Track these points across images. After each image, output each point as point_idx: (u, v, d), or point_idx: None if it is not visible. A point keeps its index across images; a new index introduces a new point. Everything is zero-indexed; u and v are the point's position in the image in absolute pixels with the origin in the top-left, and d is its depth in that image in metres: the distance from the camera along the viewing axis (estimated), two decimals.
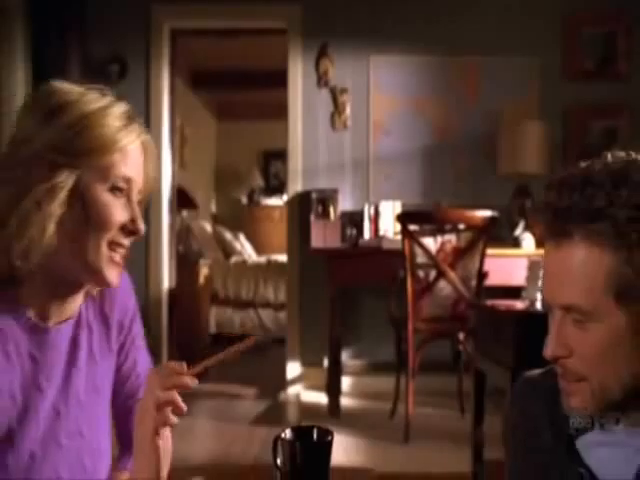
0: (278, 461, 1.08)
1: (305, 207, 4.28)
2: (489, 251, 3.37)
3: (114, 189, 0.94)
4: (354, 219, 4.11)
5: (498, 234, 3.90)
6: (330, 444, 1.09)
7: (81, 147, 0.92)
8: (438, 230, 3.34)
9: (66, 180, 0.91)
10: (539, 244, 3.67)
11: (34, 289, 0.94)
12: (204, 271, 5.64)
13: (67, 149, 0.92)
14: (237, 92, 7.58)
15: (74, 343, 1.01)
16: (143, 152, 0.98)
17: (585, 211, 0.83)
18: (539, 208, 0.89)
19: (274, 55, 5.03)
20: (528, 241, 3.84)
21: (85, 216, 0.92)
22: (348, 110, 4.33)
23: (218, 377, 4.51)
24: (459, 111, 4.30)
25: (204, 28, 4.91)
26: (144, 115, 4.36)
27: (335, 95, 4.33)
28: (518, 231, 3.91)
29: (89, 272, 0.95)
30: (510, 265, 3.56)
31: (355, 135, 4.35)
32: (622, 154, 0.89)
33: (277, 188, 8.68)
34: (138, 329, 1.13)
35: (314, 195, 4.18)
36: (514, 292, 2.72)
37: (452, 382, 3.68)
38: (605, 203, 0.83)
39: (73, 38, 4.17)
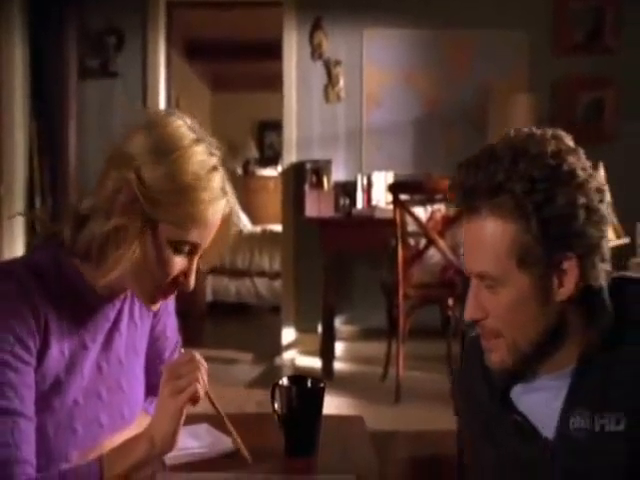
0: (276, 405, 1.22)
1: (299, 177, 4.38)
2: None
3: (179, 250, 1.01)
4: (347, 189, 4.22)
5: None
6: (322, 390, 1.23)
7: (170, 208, 0.98)
8: (428, 200, 3.46)
9: (141, 227, 0.98)
10: None
11: (97, 278, 1.03)
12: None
13: (158, 200, 0.98)
14: (232, 63, 7.59)
15: (119, 313, 1.13)
16: (223, 220, 1.05)
17: (488, 187, 0.92)
18: (451, 187, 0.99)
19: (269, 27, 5.08)
20: None
21: (145, 260, 1.00)
22: (342, 82, 4.41)
23: (215, 343, 4.67)
24: (450, 84, 4.39)
25: (200, 0, 4.96)
26: (141, 88, 4.45)
27: (329, 68, 4.41)
28: None
29: (137, 296, 1.10)
30: None
31: (348, 107, 4.43)
32: (525, 130, 0.97)
33: (272, 159, 8.74)
34: (171, 297, 1.25)
35: (308, 166, 4.29)
36: None
37: (441, 347, 3.80)
38: (504, 177, 0.91)
39: (71, 10, 4.23)
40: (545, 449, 0.98)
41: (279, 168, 8.16)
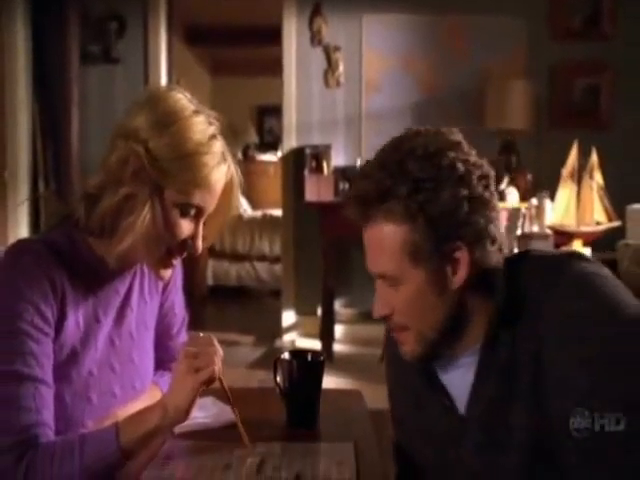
0: (278, 378, 1.28)
1: (299, 162, 4.42)
2: None
3: (185, 213, 1.08)
4: (347, 174, 4.27)
5: None
6: (322, 363, 1.29)
7: (175, 173, 1.05)
8: None
9: (149, 193, 1.05)
10: (523, 198, 3.85)
11: (111, 255, 1.10)
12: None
13: (163, 168, 1.04)
14: (231, 48, 7.61)
15: (129, 288, 1.19)
16: (226, 186, 1.11)
17: (377, 195, 0.97)
18: (344, 201, 1.03)
19: (268, 12, 5.10)
20: (512, 195, 3.99)
21: (154, 224, 1.06)
22: (341, 68, 4.45)
23: (217, 326, 4.74)
24: (448, 69, 4.42)
25: None
26: (142, 73, 4.49)
27: (328, 53, 4.45)
28: (503, 185, 4.07)
29: (148, 266, 1.15)
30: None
31: (348, 92, 4.47)
32: (413, 130, 1.02)
33: (272, 144, 8.77)
34: (179, 274, 1.32)
35: (308, 151, 4.33)
36: None
37: None
38: (391, 183, 0.96)
39: None
40: (459, 423, 1.05)
41: (279, 153, 8.20)
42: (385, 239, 0.99)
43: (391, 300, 1.02)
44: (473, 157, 0.99)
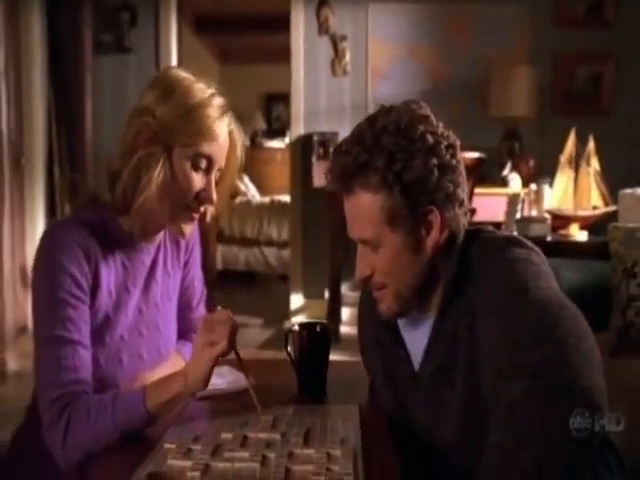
0: (289, 348, 1.40)
1: (307, 149, 4.52)
2: (478, 190, 3.63)
3: (196, 165, 1.20)
4: None
5: (487, 174, 4.15)
6: (330, 333, 1.41)
7: (181, 129, 1.17)
8: None
9: (160, 152, 1.17)
10: (525, 183, 3.94)
11: (135, 221, 1.22)
12: (210, 209, 5.91)
13: (171, 128, 1.16)
14: (239, 36, 7.66)
15: (154, 261, 1.31)
16: (229, 140, 1.23)
17: (355, 168, 1.08)
18: (326, 173, 1.13)
19: (276, 1, 5.18)
20: (515, 181, 4.08)
21: (172, 181, 1.18)
22: (347, 57, 4.54)
23: (226, 309, 4.85)
24: (452, 57, 4.49)
25: None
26: (154, 62, 4.59)
27: (335, 42, 4.53)
28: (505, 171, 4.16)
29: (170, 223, 1.25)
30: (497, 203, 3.82)
31: (354, 81, 4.56)
32: (386, 107, 1.12)
33: (279, 130, 8.83)
34: (197, 252, 1.44)
35: (315, 138, 4.43)
36: (499, 228, 2.99)
37: None
38: (367, 157, 1.07)
39: None
40: (413, 377, 1.19)
41: (286, 139, 8.28)
42: (365, 207, 1.10)
43: (371, 262, 1.13)
44: (441, 129, 1.11)
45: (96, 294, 1.19)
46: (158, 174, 1.16)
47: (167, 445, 1.06)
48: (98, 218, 1.22)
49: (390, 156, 1.06)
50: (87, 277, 1.16)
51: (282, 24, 4.89)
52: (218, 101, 1.21)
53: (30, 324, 4.29)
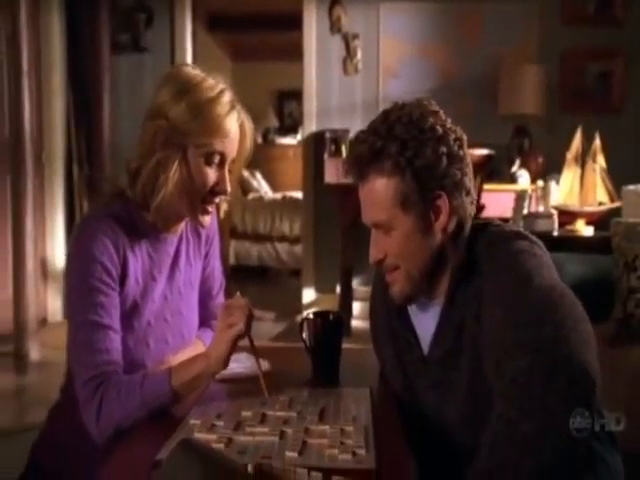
0: (304, 335, 1.48)
1: (319, 146, 4.59)
2: (487, 186, 3.69)
3: (210, 161, 1.28)
4: None
5: (497, 171, 4.21)
6: (342, 321, 1.49)
7: (194, 130, 1.24)
8: None
9: (176, 154, 1.25)
10: (534, 180, 3.99)
11: (157, 215, 1.31)
12: (223, 207, 5.99)
13: (183, 130, 1.24)
14: (252, 34, 7.73)
15: (177, 251, 1.40)
16: (240, 132, 1.31)
17: (370, 155, 1.17)
18: (344, 162, 1.22)
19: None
20: (524, 177, 4.12)
21: (188, 179, 1.27)
22: (359, 55, 4.61)
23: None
24: (462, 55, 4.55)
25: None
26: (169, 61, 4.68)
27: (347, 41, 4.60)
28: (514, 168, 4.21)
29: (189, 216, 1.33)
30: (506, 199, 3.87)
31: (366, 79, 4.63)
32: (399, 103, 1.22)
33: (291, 127, 8.90)
34: (217, 243, 1.52)
35: (327, 135, 4.50)
36: (507, 223, 3.05)
37: None
38: (381, 145, 1.15)
39: None
40: (422, 361, 1.27)
41: (298, 136, 8.34)
42: (379, 192, 1.18)
43: (384, 246, 1.21)
44: (449, 124, 1.19)
45: (125, 282, 1.28)
46: (174, 173, 1.25)
47: (192, 421, 1.15)
48: (125, 212, 1.31)
49: (403, 144, 1.14)
50: (116, 266, 1.25)
51: (294, 22, 4.94)
52: (227, 97, 1.27)
53: (49, 316, 4.41)
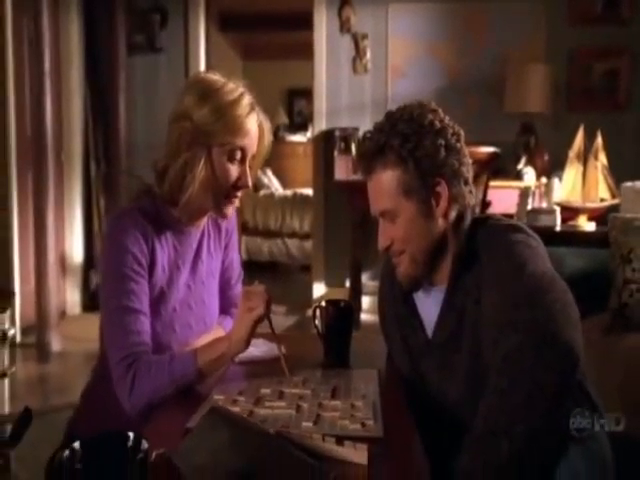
0: (317, 322, 1.59)
1: (329, 144, 4.69)
2: (493, 183, 3.77)
3: (232, 158, 1.39)
4: None
5: (503, 168, 4.29)
6: (352, 309, 1.60)
7: (218, 131, 1.35)
8: None
9: (201, 153, 1.36)
10: (539, 177, 4.07)
11: (184, 211, 1.42)
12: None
13: (208, 130, 1.35)
14: (262, 33, 7.81)
15: (199, 244, 1.52)
16: (259, 130, 1.43)
17: (376, 150, 1.29)
18: (354, 160, 1.38)
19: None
20: (530, 174, 4.20)
21: (213, 176, 1.38)
22: (368, 55, 4.69)
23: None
24: (470, 54, 4.62)
25: None
26: (183, 62, 4.80)
27: (356, 41, 4.69)
28: (520, 165, 4.29)
29: (214, 209, 1.44)
30: (511, 195, 3.95)
31: (374, 78, 4.72)
32: (402, 105, 1.34)
33: (301, 125, 8.97)
34: (235, 236, 1.64)
35: (337, 133, 4.60)
36: (511, 218, 3.13)
37: None
38: (385, 141, 1.28)
39: None
40: (426, 344, 1.37)
41: (308, 134, 8.42)
42: (384, 182, 1.30)
43: (391, 233, 1.33)
44: (447, 120, 1.31)
45: (153, 271, 1.39)
46: (200, 171, 1.36)
47: (216, 396, 1.26)
48: (153, 207, 1.42)
49: (404, 138, 1.26)
50: (146, 256, 1.37)
51: (304, 21, 5.02)
52: (247, 99, 1.38)
53: (68, 310, 4.55)
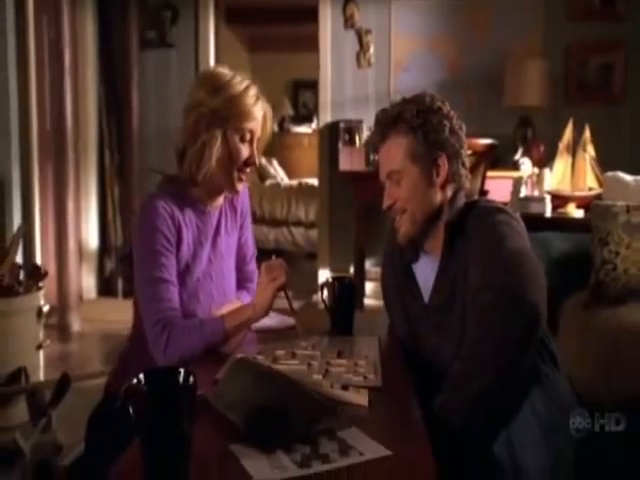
0: (324, 296, 1.78)
1: (334, 135, 4.83)
2: (491, 173, 3.93)
3: (243, 138, 1.60)
4: None
5: (501, 159, 4.44)
6: (355, 284, 1.79)
7: (231, 115, 1.57)
8: None
9: (217, 134, 1.57)
10: (536, 167, 4.21)
11: (201, 190, 1.63)
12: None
13: (223, 115, 1.56)
14: (268, 26, 7.93)
15: (218, 223, 1.71)
16: (263, 117, 1.64)
17: (390, 120, 1.51)
18: (371, 129, 1.56)
19: None
20: (526, 165, 4.31)
21: (227, 154, 1.59)
22: (372, 49, 4.83)
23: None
24: (470, 49, 4.73)
25: None
26: (193, 57, 4.97)
27: (360, 36, 4.83)
28: (517, 156, 4.44)
29: (227, 186, 1.64)
30: (507, 184, 4.02)
31: (378, 72, 4.85)
32: (416, 94, 1.56)
33: (306, 116, 9.09)
34: (249, 218, 1.83)
35: (342, 125, 4.73)
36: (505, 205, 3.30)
37: None
38: (398, 112, 1.50)
39: None
40: (424, 308, 1.56)
41: (313, 125, 8.56)
42: (395, 147, 1.52)
43: (395, 194, 1.53)
44: (451, 112, 1.52)
45: (180, 246, 1.59)
46: (217, 150, 1.57)
47: (238, 355, 1.46)
48: (178, 190, 1.63)
49: (416, 113, 1.49)
50: (173, 234, 1.57)
51: (309, 15, 5.14)
52: (253, 90, 1.60)
53: (84, 294, 4.75)
